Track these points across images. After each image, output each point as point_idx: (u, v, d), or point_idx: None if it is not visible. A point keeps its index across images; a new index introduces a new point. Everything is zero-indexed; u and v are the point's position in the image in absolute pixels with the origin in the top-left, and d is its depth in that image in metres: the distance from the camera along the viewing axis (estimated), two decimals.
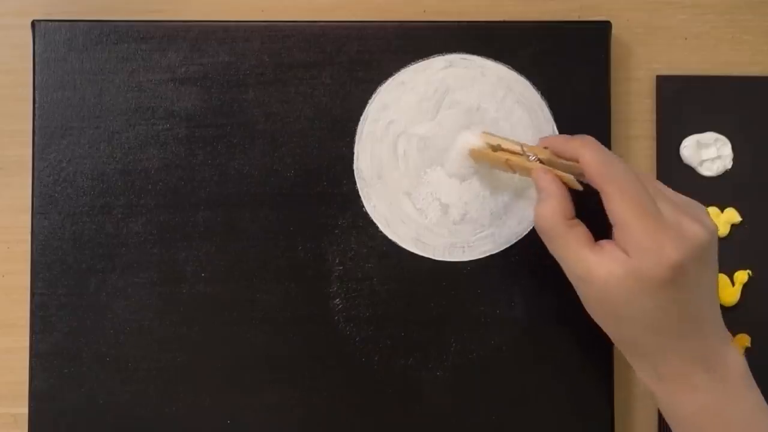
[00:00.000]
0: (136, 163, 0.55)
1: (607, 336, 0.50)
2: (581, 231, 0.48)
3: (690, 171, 0.57)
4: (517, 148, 0.51)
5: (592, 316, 0.49)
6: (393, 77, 0.55)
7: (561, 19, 0.57)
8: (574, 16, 0.58)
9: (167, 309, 0.55)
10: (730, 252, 0.57)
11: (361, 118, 0.55)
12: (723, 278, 0.56)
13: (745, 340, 0.56)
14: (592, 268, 0.46)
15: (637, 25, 0.58)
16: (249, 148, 0.55)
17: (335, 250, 0.55)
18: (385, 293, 0.55)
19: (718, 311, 0.49)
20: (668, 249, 0.45)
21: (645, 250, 0.45)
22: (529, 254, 0.55)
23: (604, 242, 0.47)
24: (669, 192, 0.49)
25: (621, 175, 0.46)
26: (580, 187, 0.49)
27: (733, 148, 0.57)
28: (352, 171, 0.55)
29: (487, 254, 0.55)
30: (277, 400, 0.55)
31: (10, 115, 0.57)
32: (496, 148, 0.51)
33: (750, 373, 0.48)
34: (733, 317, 0.56)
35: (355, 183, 0.55)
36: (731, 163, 0.57)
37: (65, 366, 0.55)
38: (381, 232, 0.55)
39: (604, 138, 0.56)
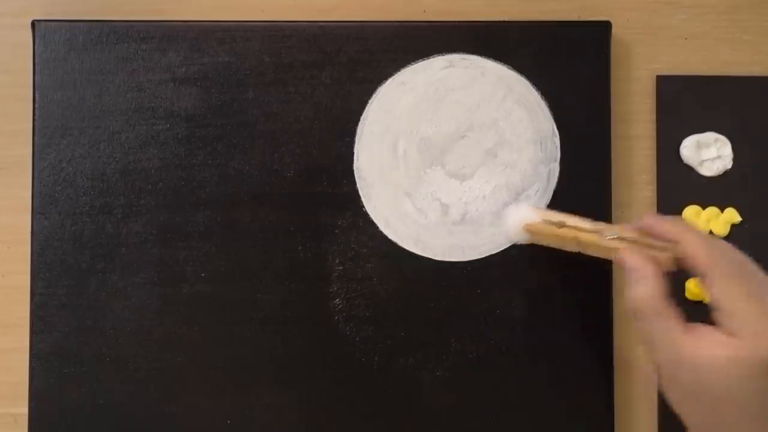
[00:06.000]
0: (136, 163, 0.55)
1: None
2: (675, 313, 0.46)
3: (690, 171, 0.57)
4: (587, 226, 0.49)
5: (672, 399, 0.47)
6: (393, 77, 0.55)
7: (561, 19, 0.57)
8: (574, 16, 0.58)
9: (167, 309, 0.55)
10: None
11: (361, 118, 0.55)
12: None
13: None
14: (686, 350, 0.45)
15: (637, 25, 0.58)
16: (249, 148, 0.55)
17: (335, 250, 0.55)
18: (385, 293, 0.55)
19: None
20: None
21: (756, 333, 0.43)
22: (529, 254, 0.55)
23: (696, 325, 0.46)
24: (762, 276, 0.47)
25: (727, 259, 0.46)
26: (674, 268, 0.48)
27: (733, 148, 0.57)
28: (352, 171, 0.55)
29: (487, 254, 0.55)
30: (277, 400, 0.55)
31: (10, 115, 0.57)
32: (560, 225, 0.50)
33: None
34: None
35: (355, 183, 0.55)
36: (731, 163, 0.57)
37: (65, 366, 0.55)
38: (381, 232, 0.55)
39: (604, 138, 0.56)
